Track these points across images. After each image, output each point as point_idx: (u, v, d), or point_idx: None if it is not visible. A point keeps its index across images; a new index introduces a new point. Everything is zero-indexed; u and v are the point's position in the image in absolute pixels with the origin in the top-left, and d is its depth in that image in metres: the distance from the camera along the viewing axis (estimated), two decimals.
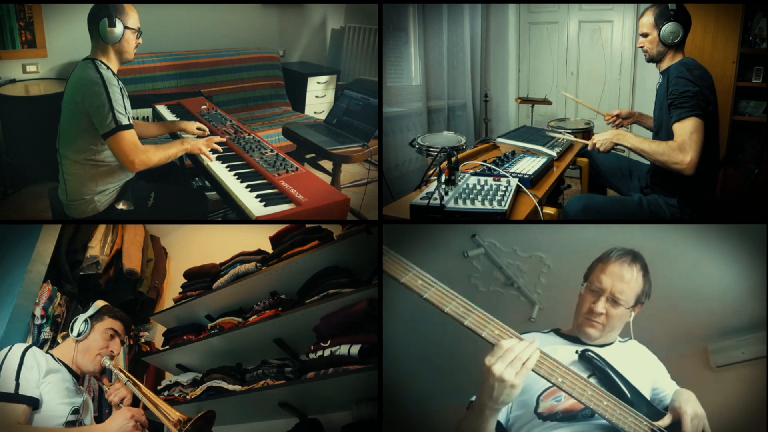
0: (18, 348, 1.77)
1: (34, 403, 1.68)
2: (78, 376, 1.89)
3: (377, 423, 1.96)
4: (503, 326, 1.37)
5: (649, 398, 1.58)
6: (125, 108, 2.13)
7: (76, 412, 1.80)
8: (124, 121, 2.09)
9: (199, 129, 2.67)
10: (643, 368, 1.67)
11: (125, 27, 2.15)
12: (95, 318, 1.93)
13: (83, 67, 2.14)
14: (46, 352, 1.84)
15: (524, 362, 1.30)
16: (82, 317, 1.92)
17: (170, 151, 2.23)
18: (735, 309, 2.07)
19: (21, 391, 1.66)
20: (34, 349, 1.79)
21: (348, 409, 2.10)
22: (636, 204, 2.39)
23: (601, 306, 1.62)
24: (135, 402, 1.88)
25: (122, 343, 1.99)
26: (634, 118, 2.90)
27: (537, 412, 1.55)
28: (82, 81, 2.11)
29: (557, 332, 1.76)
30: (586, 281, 1.69)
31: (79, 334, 1.89)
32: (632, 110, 2.93)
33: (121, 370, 1.89)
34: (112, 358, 1.91)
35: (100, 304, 1.98)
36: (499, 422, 1.55)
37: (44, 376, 1.74)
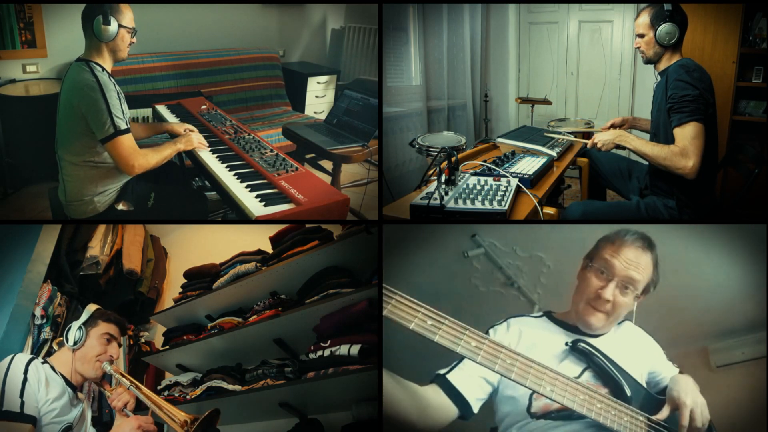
0: (20, 361, 1.71)
1: (35, 423, 1.64)
2: (76, 387, 1.85)
3: (377, 423, 1.95)
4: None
5: (645, 382, 1.53)
6: (123, 112, 2.11)
7: (67, 429, 1.76)
8: (123, 126, 2.08)
9: (187, 131, 2.59)
10: (639, 352, 1.60)
11: (120, 25, 2.14)
12: (89, 324, 1.88)
13: (77, 70, 2.10)
14: (44, 361, 1.79)
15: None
16: (75, 325, 1.87)
17: (165, 153, 2.27)
18: (735, 309, 2.07)
19: (26, 410, 1.62)
20: (36, 363, 1.75)
21: (348, 409, 2.10)
22: (634, 209, 2.38)
23: (610, 292, 1.51)
24: (138, 404, 1.83)
25: (119, 345, 1.94)
26: (628, 124, 2.87)
27: (530, 411, 1.49)
28: (77, 84, 2.08)
29: (549, 316, 1.68)
30: (591, 261, 1.58)
31: (75, 343, 1.84)
32: (625, 117, 2.91)
33: (122, 375, 1.84)
34: (112, 362, 1.86)
35: (92, 308, 1.93)
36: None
37: (46, 394, 1.70)
